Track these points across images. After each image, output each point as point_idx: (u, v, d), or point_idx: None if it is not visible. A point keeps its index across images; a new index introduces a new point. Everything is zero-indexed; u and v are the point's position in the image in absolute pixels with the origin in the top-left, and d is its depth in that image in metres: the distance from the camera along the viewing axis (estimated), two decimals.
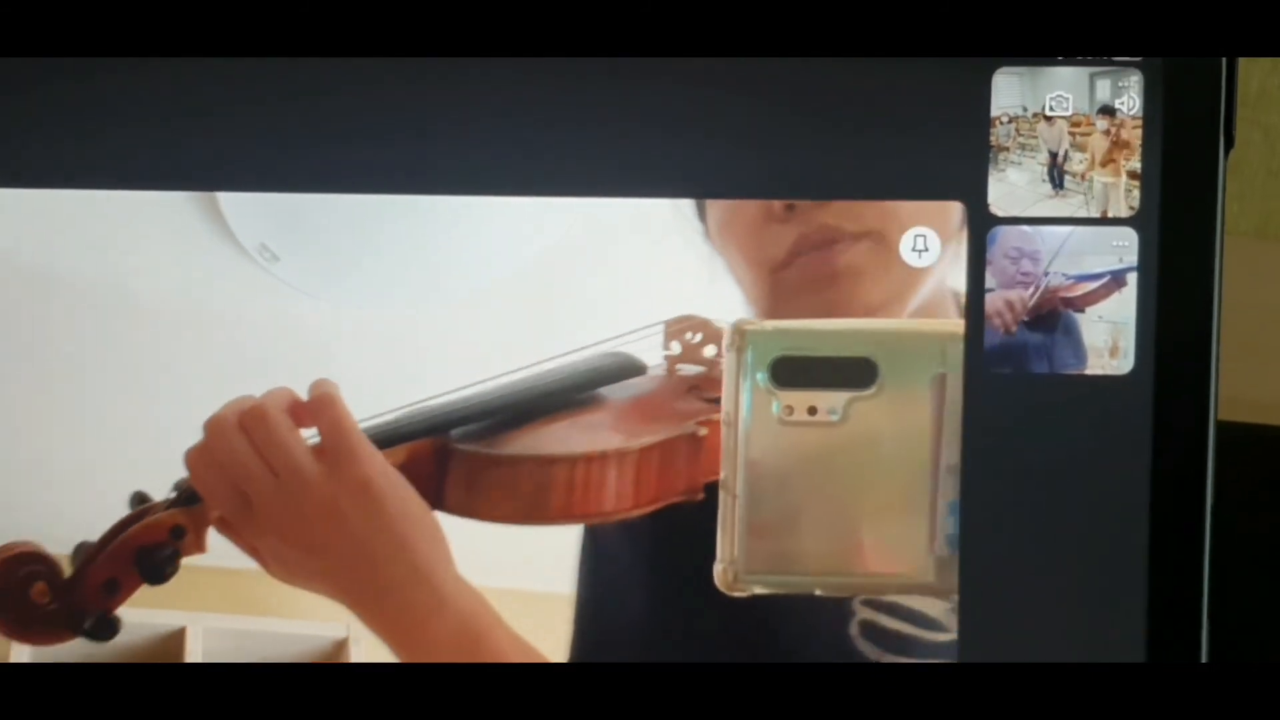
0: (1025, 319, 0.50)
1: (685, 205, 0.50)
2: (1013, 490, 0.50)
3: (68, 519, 0.52)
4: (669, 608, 0.52)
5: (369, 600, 0.51)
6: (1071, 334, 0.49)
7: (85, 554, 0.51)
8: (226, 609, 0.53)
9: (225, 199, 0.51)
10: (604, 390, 0.52)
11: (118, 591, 0.51)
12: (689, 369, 0.52)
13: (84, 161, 0.50)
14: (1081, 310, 0.49)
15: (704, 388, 0.52)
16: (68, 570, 0.51)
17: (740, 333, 0.50)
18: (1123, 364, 0.50)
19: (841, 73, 0.49)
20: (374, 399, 0.52)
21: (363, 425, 0.51)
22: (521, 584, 0.52)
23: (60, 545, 0.52)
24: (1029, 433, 0.50)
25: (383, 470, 0.51)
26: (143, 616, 0.52)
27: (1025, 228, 0.50)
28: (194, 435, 0.51)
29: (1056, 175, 0.49)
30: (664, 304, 0.51)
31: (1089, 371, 0.50)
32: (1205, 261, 0.49)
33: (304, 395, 0.51)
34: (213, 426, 0.51)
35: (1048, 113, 0.49)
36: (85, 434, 0.52)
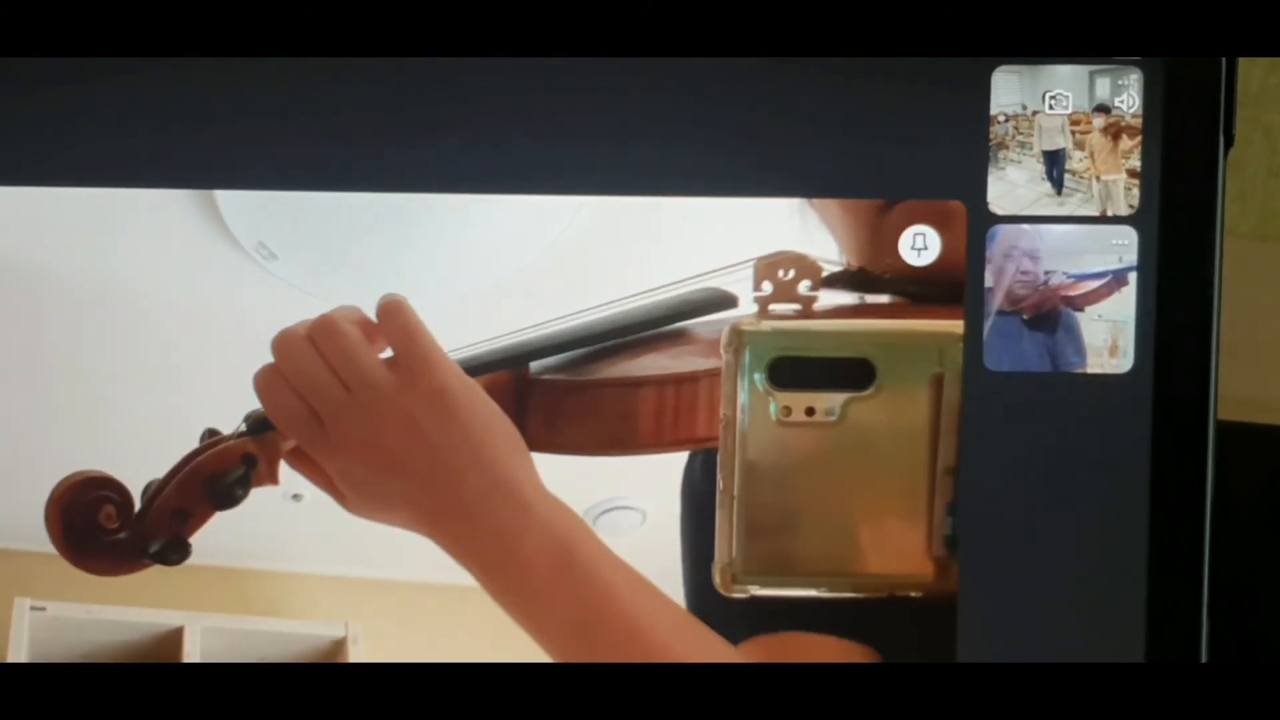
0: (1025, 317, 0.50)
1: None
2: (1012, 490, 0.50)
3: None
4: None
5: (453, 522, 0.49)
6: (1071, 333, 0.49)
7: (155, 488, 0.50)
8: (225, 609, 0.53)
9: (223, 197, 0.51)
10: (695, 324, 0.51)
11: (188, 520, 0.50)
12: (783, 308, 0.51)
13: (83, 160, 0.50)
14: (1081, 309, 0.49)
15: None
16: (138, 504, 0.50)
17: (738, 334, 0.50)
18: (1122, 363, 0.50)
19: (841, 72, 0.49)
20: None
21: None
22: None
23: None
24: (1028, 432, 0.50)
25: (458, 378, 0.49)
26: (141, 616, 0.53)
27: (1025, 226, 0.50)
28: (197, 428, 0.51)
29: (1056, 175, 0.49)
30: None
31: (1089, 370, 0.50)
32: (1205, 260, 0.49)
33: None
34: (280, 343, 0.49)
35: (1048, 110, 0.49)
36: (83, 434, 0.52)
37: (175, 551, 0.51)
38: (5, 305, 0.51)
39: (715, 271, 0.50)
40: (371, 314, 0.50)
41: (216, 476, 0.50)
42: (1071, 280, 0.49)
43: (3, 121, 0.50)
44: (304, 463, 0.50)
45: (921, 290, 0.50)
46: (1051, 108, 0.49)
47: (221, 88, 0.50)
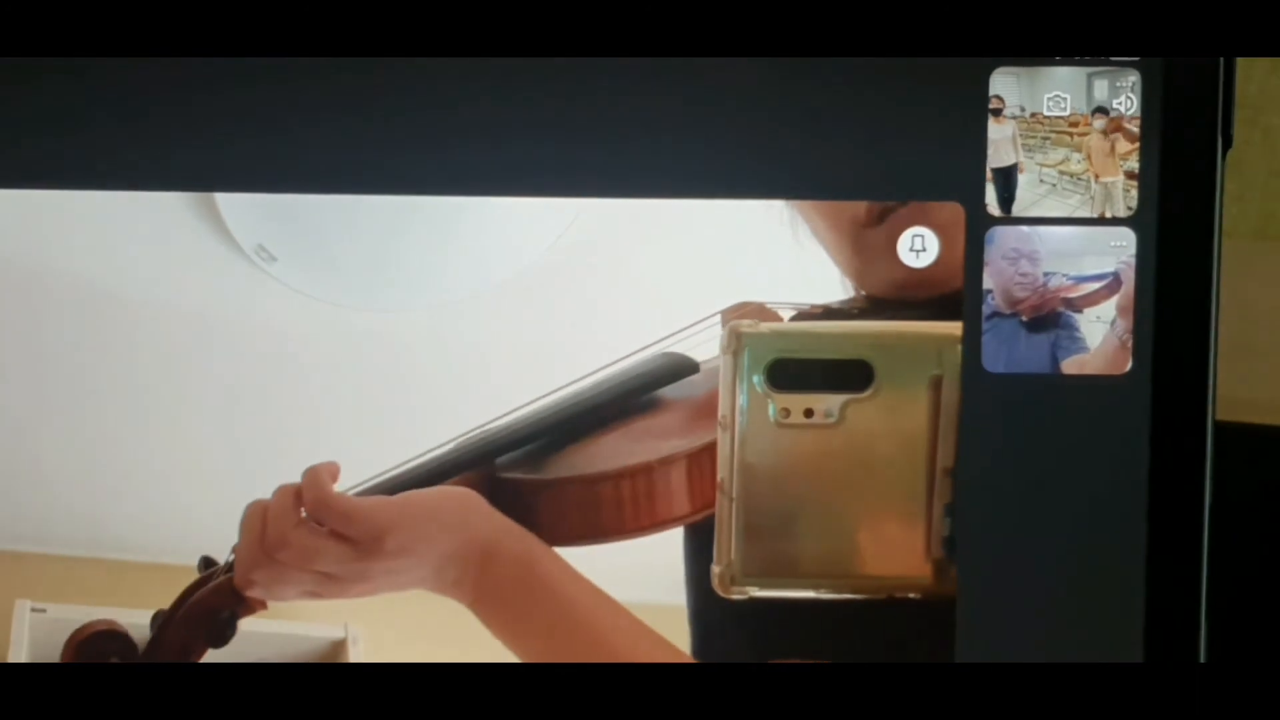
0: (1023, 319, 0.50)
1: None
2: (1010, 491, 0.50)
3: (61, 519, 0.52)
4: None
5: (442, 585, 0.52)
6: (1070, 334, 0.49)
7: (160, 621, 0.53)
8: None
9: (223, 200, 0.51)
10: (660, 394, 0.52)
11: (189, 656, 0.53)
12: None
13: (82, 162, 0.50)
14: (1079, 311, 0.49)
15: None
16: (141, 640, 0.53)
17: (736, 335, 0.50)
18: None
19: (840, 72, 0.49)
20: (372, 400, 0.52)
21: (406, 466, 0.52)
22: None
23: (59, 546, 0.52)
24: (1027, 433, 0.50)
25: (381, 506, 0.52)
26: (142, 617, 0.53)
27: (1023, 228, 0.49)
28: (196, 430, 0.51)
29: (1007, 193, 0.49)
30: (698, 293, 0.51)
31: (1087, 372, 0.50)
32: (1203, 262, 0.49)
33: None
34: (248, 562, 0.52)
35: (1002, 117, 0.49)
36: (82, 434, 0.52)
37: None
38: (5, 307, 0.51)
39: (676, 334, 0.51)
40: None
41: (214, 613, 0.52)
42: (1071, 282, 0.49)
43: (3, 122, 0.50)
44: None
45: (901, 314, 0.50)
46: (1050, 110, 0.49)
47: (221, 89, 0.50)
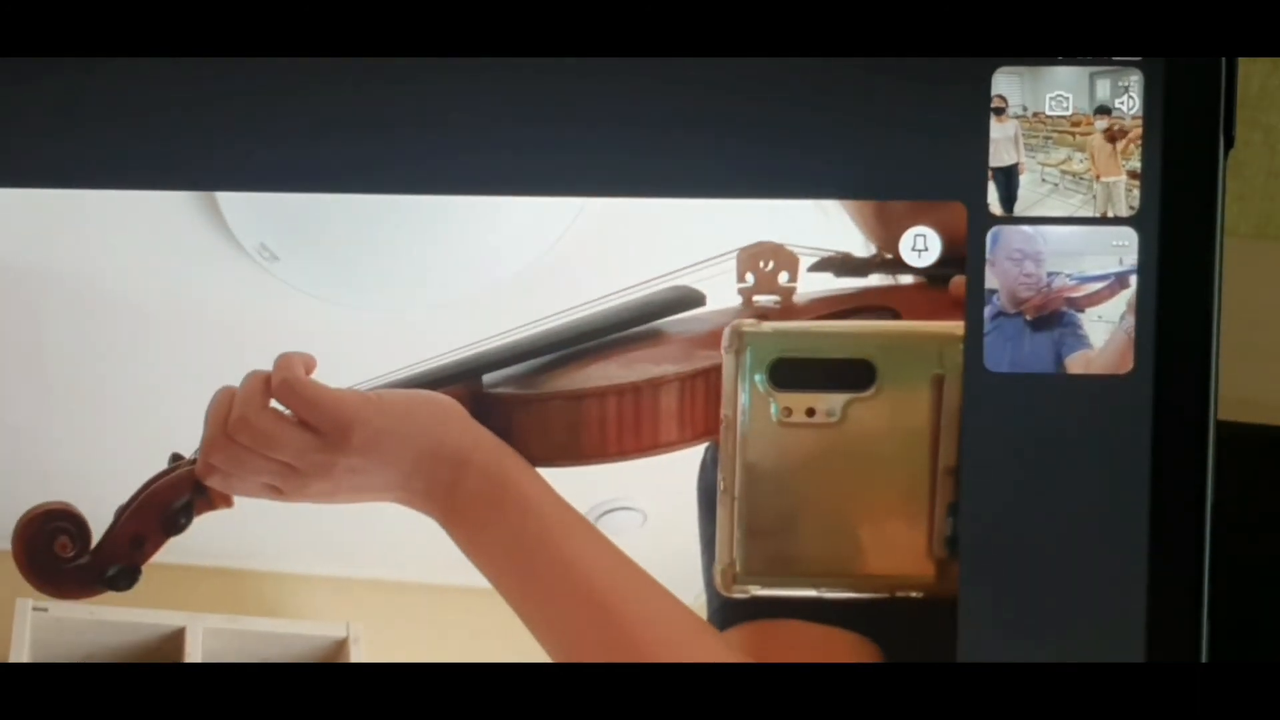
0: (1027, 318, 0.50)
1: None
2: (1012, 490, 0.50)
3: None
4: None
5: (409, 495, 0.52)
6: (1074, 332, 0.49)
7: (116, 513, 0.52)
8: (227, 609, 0.53)
9: (225, 199, 0.51)
10: (664, 324, 0.51)
11: (143, 545, 0.52)
12: (765, 299, 0.51)
13: (83, 161, 0.50)
14: (1082, 310, 0.49)
15: (776, 317, 0.51)
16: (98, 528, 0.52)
17: (739, 334, 0.50)
18: (1122, 364, 0.50)
19: (841, 72, 0.49)
20: None
21: (394, 374, 0.51)
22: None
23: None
24: (1029, 433, 0.50)
25: (354, 401, 0.51)
26: (143, 616, 0.53)
27: (1026, 228, 0.50)
28: (196, 430, 0.51)
29: (1008, 194, 0.49)
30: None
31: (1089, 372, 0.50)
32: (1205, 261, 0.49)
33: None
34: (207, 445, 0.51)
35: (999, 119, 0.49)
36: (82, 435, 0.52)
37: (126, 578, 0.52)
38: (5, 307, 0.51)
39: (691, 267, 0.50)
40: None
41: (170, 503, 0.52)
42: (1075, 282, 0.49)
43: (2, 122, 0.50)
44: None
45: (919, 271, 0.50)
46: (1052, 109, 0.49)
47: (222, 89, 0.50)
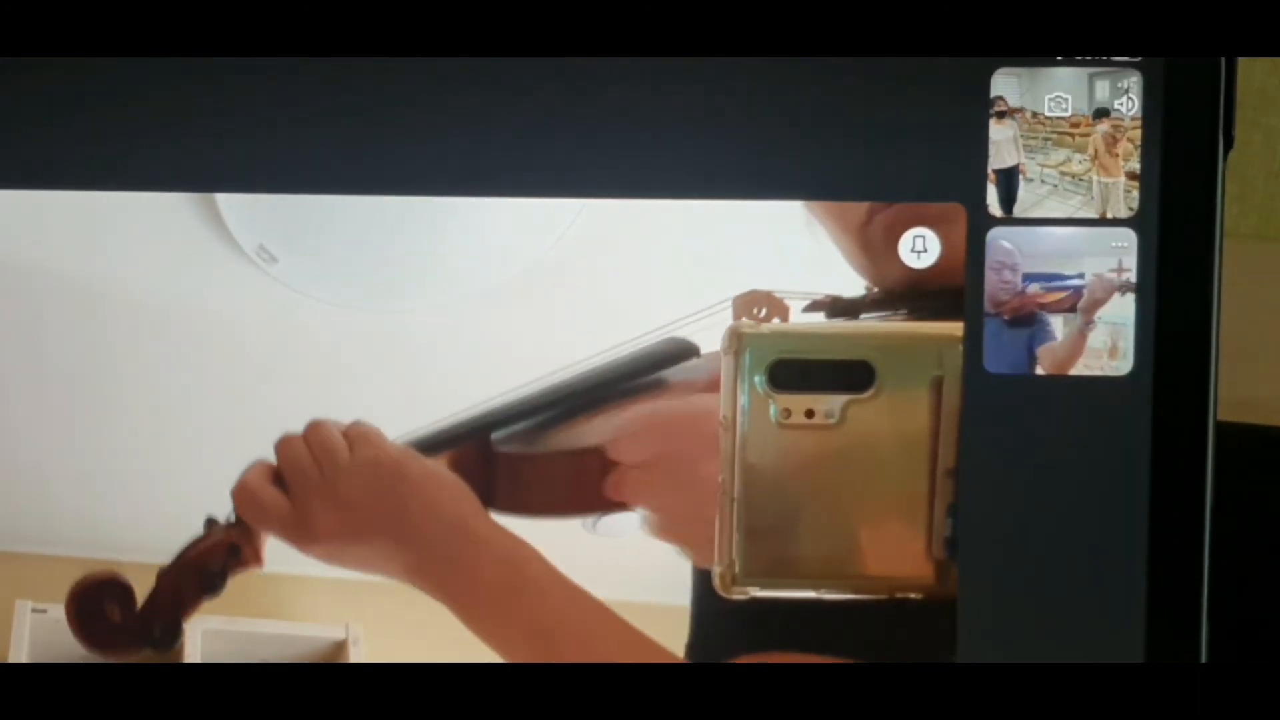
0: (1005, 319, 0.50)
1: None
2: (1012, 492, 0.50)
3: (61, 520, 0.52)
4: None
5: (420, 570, 0.52)
6: (1043, 330, 0.50)
7: (158, 575, 0.53)
8: (226, 611, 0.53)
9: (224, 200, 0.51)
10: (661, 377, 0.52)
11: (184, 606, 0.53)
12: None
13: (82, 162, 0.50)
14: (1051, 313, 0.50)
15: None
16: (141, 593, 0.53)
17: (738, 336, 0.50)
18: (1122, 365, 0.50)
19: (841, 73, 0.49)
20: (372, 400, 0.52)
21: (406, 436, 0.52)
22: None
23: (59, 547, 0.52)
24: (1028, 434, 0.50)
25: (393, 452, 0.52)
26: None
27: (1004, 241, 0.50)
28: (196, 431, 0.51)
29: (1009, 195, 0.49)
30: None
31: (1088, 373, 0.50)
32: (1205, 262, 0.49)
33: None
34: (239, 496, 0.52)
35: (1000, 121, 0.49)
36: (82, 435, 0.52)
37: (168, 638, 0.53)
38: (4, 308, 0.51)
39: (688, 318, 0.51)
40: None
41: (208, 566, 0.52)
42: (1044, 289, 0.50)
43: (2, 122, 0.50)
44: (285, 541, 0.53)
45: (909, 305, 0.50)
46: (1052, 110, 0.49)
47: (222, 90, 0.50)
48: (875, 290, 0.51)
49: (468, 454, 0.52)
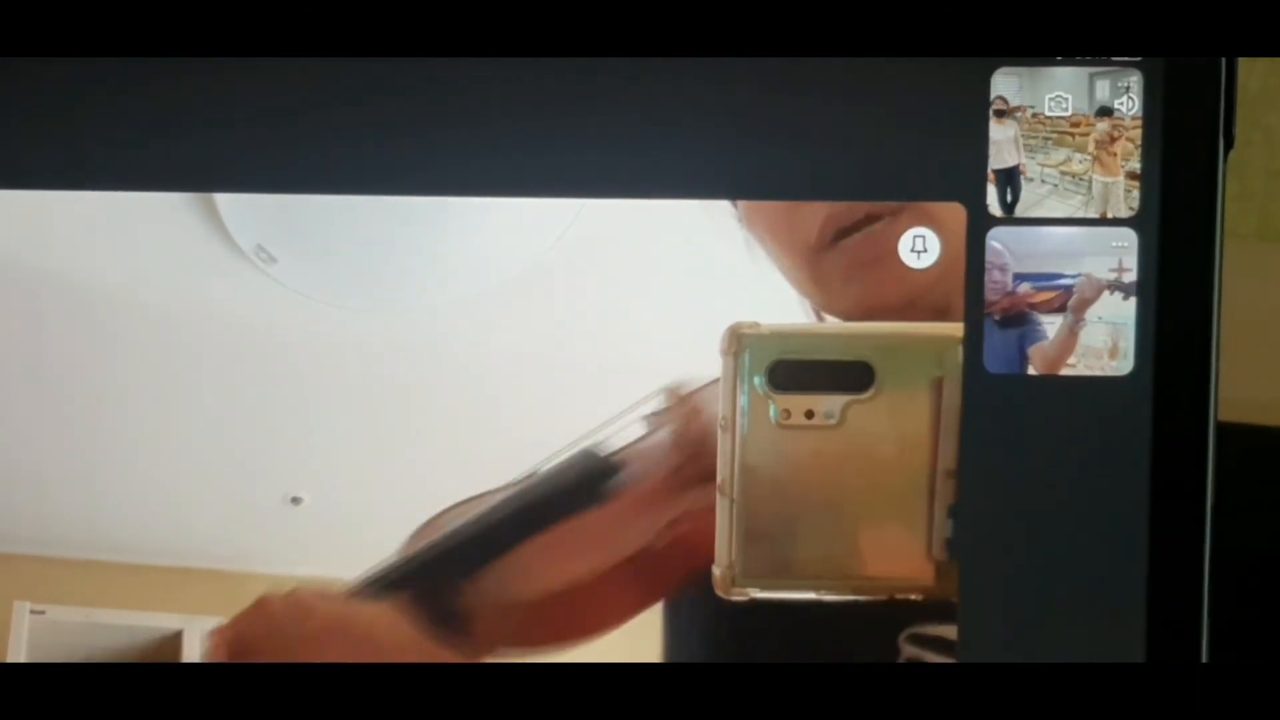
0: (996, 318, 0.50)
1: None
2: (1012, 492, 0.50)
3: (60, 521, 0.52)
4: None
5: None
6: (1035, 329, 0.50)
7: None
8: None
9: (222, 200, 0.51)
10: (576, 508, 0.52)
11: None
12: None
13: (80, 162, 0.50)
14: (1045, 314, 0.50)
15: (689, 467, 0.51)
16: None
17: (737, 336, 0.50)
18: (1122, 365, 0.50)
19: (841, 73, 0.49)
20: (370, 400, 0.52)
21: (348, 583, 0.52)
22: None
23: (58, 548, 0.52)
24: (1029, 434, 0.50)
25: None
26: (140, 619, 0.53)
27: (995, 243, 0.50)
28: (195, 432, 0.51)
29: (1010, 197, 0.49)
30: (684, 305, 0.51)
31: (1088, 373, 0.50)
32: (1205, 262, 0.49)
33: None
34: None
35: (1000, 121, 0.49)
36: (81, 435, 0.52)
37: None
38: (4, 307, 0.51)
39: (625, 413, 0.51)
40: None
41: None
42: (1035, 289, 0.50)
43: (2, 122, 0.50)
44: None
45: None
46: (1052, 110, 0.49)
47: (221, 89, 0.50)
48: (828, 316, 0.51)
49: (412, 599, 0.52)
